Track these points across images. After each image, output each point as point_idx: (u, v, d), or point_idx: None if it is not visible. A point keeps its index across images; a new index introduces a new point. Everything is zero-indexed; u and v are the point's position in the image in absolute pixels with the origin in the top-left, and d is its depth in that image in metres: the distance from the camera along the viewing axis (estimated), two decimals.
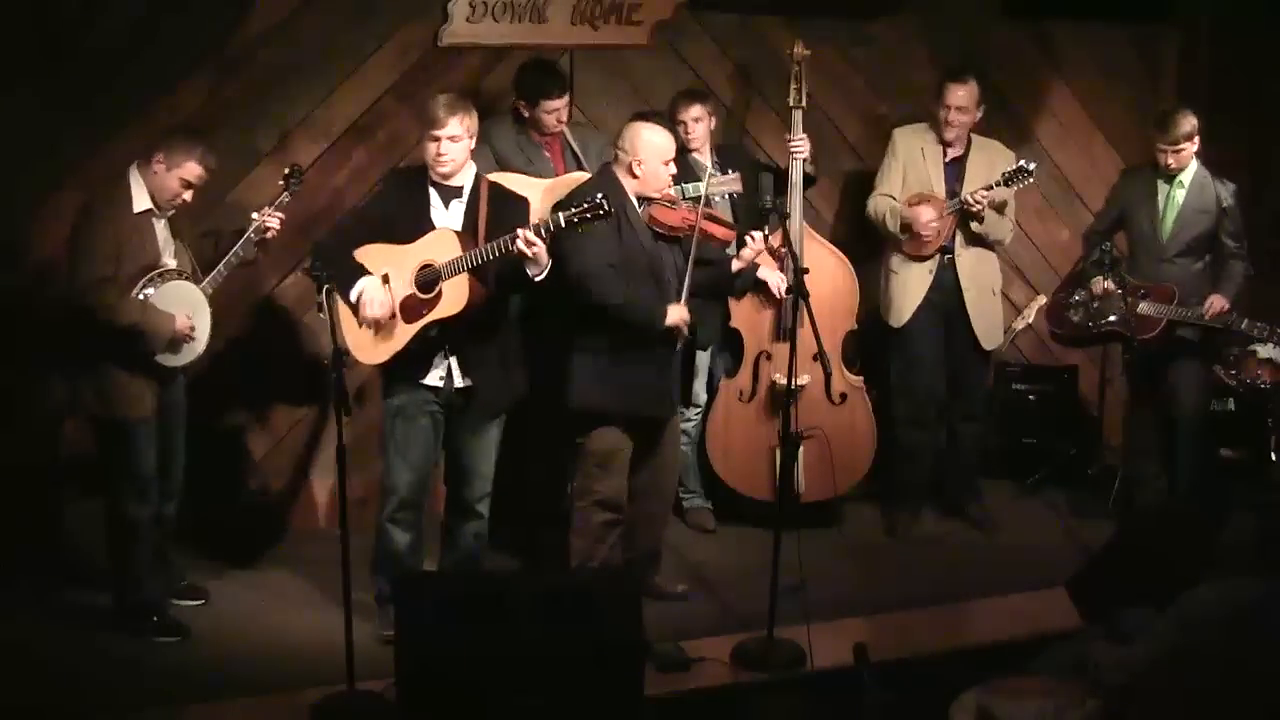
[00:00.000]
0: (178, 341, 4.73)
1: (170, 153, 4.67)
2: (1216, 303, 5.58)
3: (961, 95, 5.70)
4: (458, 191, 4.71)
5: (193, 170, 4.70)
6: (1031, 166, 5.62)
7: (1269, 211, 5.75)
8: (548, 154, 5.49)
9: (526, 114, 5.40)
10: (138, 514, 4.82)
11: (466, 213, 4.69)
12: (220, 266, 4.84)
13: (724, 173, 5.44)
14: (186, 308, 4.74)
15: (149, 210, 4.72)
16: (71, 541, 5.27)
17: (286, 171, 4.96)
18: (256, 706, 4.48)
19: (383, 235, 4.66)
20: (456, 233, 4.63)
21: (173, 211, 4.79)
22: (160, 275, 4.72)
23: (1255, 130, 5.69)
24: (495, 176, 5.31)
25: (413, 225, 4.65)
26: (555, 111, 5.38)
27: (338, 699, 4.33)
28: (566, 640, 3.95)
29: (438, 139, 4.61)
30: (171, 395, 4.87)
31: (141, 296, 4.65)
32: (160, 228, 4.78)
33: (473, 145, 4.71)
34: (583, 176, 5.16)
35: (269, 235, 4.85)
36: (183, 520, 5.08)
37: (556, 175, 5.41)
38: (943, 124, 5.74)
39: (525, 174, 5.36)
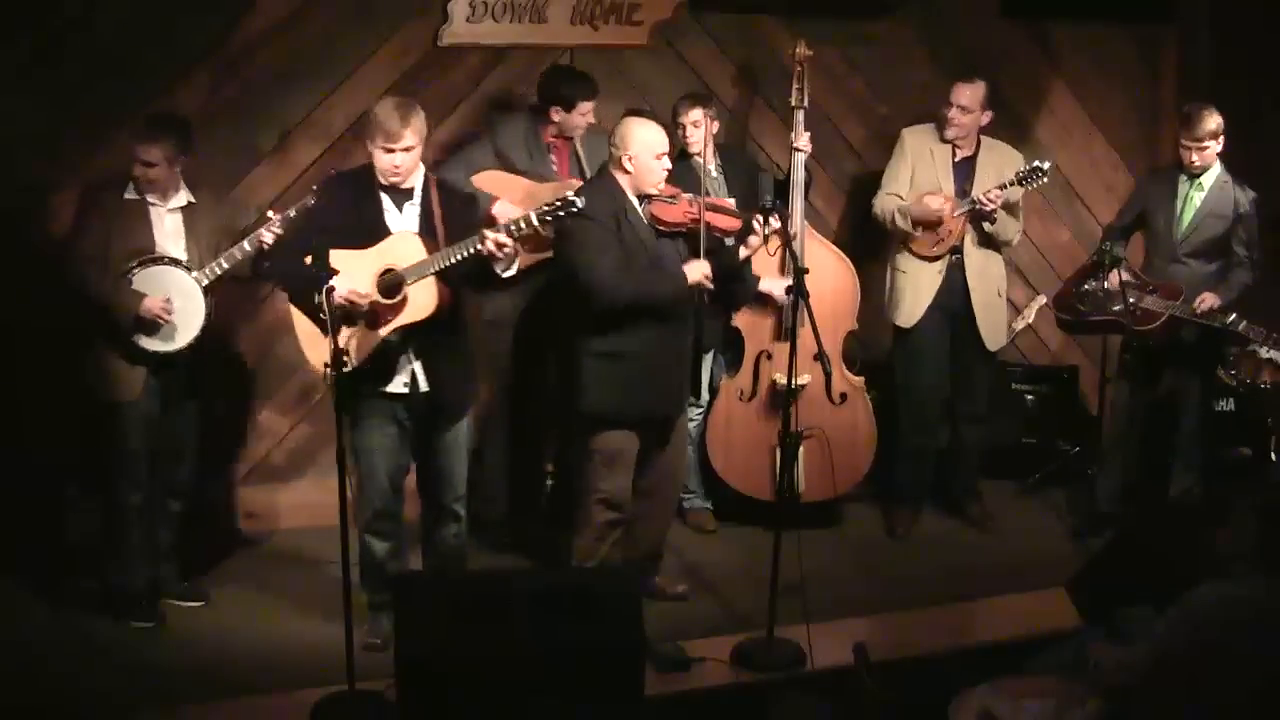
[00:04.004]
0: (149, 322, 4.68)
1: None
2: (1207, 299, 5.57)
3: (967, 95, 5.69)
4: (409, 194, 4.61)
5: (134, 148, 4.71)
6: (1046, 165, 5.62)
7: (1269, 212, 5.74)
8: (553, 158, 5.49)
9: (558, 118, 5.41)
10: (126, 498, 4.83)
11: (422, 215, 4.61)
12: (221, 259, 4.79)
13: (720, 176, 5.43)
14: (168, 292, 4.71)
15: (143, 199, 4.75)
16: (72, 538, 5.26)
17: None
18: (256, 706, 4.48)
19: (334, 242, 4.47)
20: (419, 236, 4.56)
21: (184, 200, 4.80)
22: (152, 260, 4.72)
23: (1255, 131, 5.69)
24: (486, 175, 5.30)
25: (367, 231, 4.54)
26: (588, 114, 5.42)
27: (338, 699, 4.33)
28: (566, 640, 3.95)
29: (393, 151, 4.49)
30: (172, 386, 4.85)
31: (127, 278, 4.66)
32: (161, 216, 4.79)
33: (420, 147, 4.58)
34: (573, 185, 5.12)
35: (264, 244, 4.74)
36: (184, 519, 5.07)
37: (558, 179, 5.41)
38: (945, 122, 5.75)
39: (524, 175, 5.36)
